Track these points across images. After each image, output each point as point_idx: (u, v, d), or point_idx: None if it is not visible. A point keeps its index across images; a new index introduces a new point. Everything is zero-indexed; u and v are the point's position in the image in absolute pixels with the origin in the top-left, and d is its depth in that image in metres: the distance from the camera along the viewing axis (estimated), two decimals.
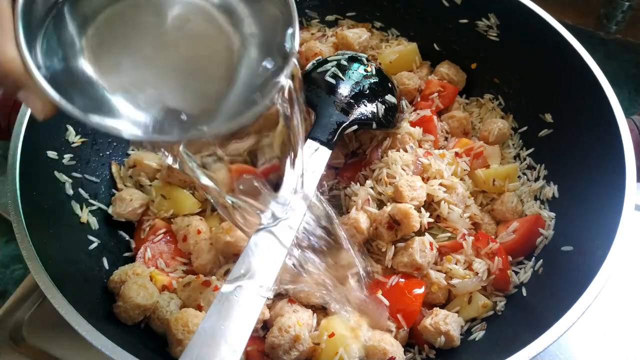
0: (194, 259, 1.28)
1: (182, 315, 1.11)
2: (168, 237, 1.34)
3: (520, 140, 1.49)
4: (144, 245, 1.32)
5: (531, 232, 1.27)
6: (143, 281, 1.17)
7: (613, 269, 1.01)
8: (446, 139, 1.49)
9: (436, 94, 1.51)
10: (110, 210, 1.37)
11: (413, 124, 1.42)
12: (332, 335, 1.10)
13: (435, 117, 1.45)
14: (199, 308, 1.16)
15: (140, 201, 1.38)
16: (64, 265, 1.15)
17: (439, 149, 1.42)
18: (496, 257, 1.22)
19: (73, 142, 1.35)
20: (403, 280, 1.19)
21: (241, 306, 0.93)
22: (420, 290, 1.18)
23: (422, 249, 1.18)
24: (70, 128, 1.34)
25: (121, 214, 1.36)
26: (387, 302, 1.17)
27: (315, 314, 1.20)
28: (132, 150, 1.50)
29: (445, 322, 1.13)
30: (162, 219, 1.37)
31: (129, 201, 1.36)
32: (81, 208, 1.32)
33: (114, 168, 1.45)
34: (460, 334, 1.17)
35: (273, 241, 1.03)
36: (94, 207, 1.35)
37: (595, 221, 1.14)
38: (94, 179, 1.40)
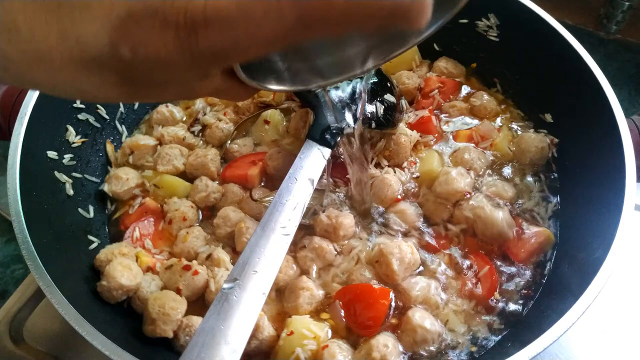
0: (174, 245, 1.29)
1: (160, 296, 1.13)
2: (153, 220, 1.35)
3: None
4: (133, 224, 1.33)
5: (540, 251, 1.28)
6: (128, 262, 1.18)
7: (613, 269, 1.01)
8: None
9: (436, 91, 1.52)
10: (106, 188, 1.38)
11: (412, 126, 1.42)
12: (291, 333, 1.10)
13: (433, 117, 1.45)
14: (178, 291, 1.17)
15: (136, 180, 1.39)
16: (64, 265, 1.15)
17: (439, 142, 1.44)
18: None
19: (73, 142, 1.35)
20: (376, 287, 1.17)
21: (241, 306, 0.93)
22: (389, 297, 1.17)
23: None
24: (70, 128, 1.34)
25: (117, 192, 1.37)
26: (342, 312, 1.17)
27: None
28: (128, 136, 1.51)
29: (386, 345, 1.10)
30: (155, 199, 1.38)
31: (125, 180, 1.37)
32: (83, 208, 1.32)
33: (109, 147, 1.46)
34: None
35: (274, 236, 1.03)
36: (94, 207, 1.36)
37: (595, 221, 1.14)
38: (94, 179, 1.40)
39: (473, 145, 1.43)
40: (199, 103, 1.57)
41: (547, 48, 1.36)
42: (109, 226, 1.38)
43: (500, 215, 1.24)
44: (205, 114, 1.54)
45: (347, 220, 1.26)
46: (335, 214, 1.26)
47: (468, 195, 1.30)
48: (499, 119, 1.50)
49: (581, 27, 1.96)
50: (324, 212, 1.27)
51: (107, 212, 1.39)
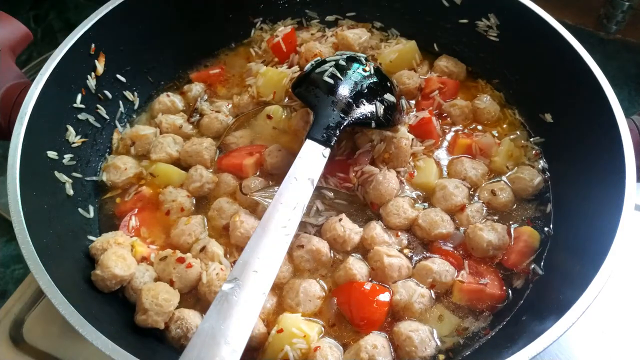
0: (173, 228, 1.30)
1: (154, 286, 1.14)
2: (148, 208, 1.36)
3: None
4: (130, 213, 1.34)
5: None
6: (122, 252, 1.19)
7: (613, 269, 1.01)
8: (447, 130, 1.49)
9: (437, 92, 1.51)
10: (104, 178, 1.38)
11: (412, 128, 1.42)
12: (280, 331, 1.11)
13: (434, 119, 1.45)
14: (171, 283, 1.18)
15: (134, 170, 1.40)
16: (64, 265, 1.15)
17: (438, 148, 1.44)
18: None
19: (73, 142, 1.35)
20: (368, 287, 1.18)
21: (241, 306, 0.93)
22: (385, 298, 1.17)
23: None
24: (70, 128, 1.34)
25: (115, 182, 1.38)
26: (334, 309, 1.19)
27: (271, 297, 1.20)
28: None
29: (375, 346, 1.10)
30: (150, 187, 1.39)
31: (123, 170, 1.38)
32: (83, 208, 1.32)
33: (116, 135, 1.48)
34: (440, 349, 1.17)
35: (274, 236, 1.04)
36: (94, 207, 1.36)
37: (595, 221, 1.14)
38: (94, 179, 1.40)
39: (470, 157, 1.42)
40: (196, 86, 1.58)
41: (547, 48, 1.36)
42: (100, 214, 1.37)
43: (487, 239, 1.24)
44: (205, 100, 1.55)
45: (357, 237, 1.26)
46: (350, 227, 1.25)
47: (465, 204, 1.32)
48: (499, 127, 1.50)
49: (581, 27, 1.95)
50: (340, 220, 1.25)
51: (97, 200, 1.39)
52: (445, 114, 1.50)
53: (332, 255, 1.26)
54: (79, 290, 1.13)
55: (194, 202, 1.37)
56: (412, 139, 1.39)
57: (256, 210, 1.30)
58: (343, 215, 1.27)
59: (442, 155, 1.44)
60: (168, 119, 1.49)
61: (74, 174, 1.33)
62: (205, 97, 1.58)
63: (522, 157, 1.43)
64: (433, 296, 1.22)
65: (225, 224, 1.29)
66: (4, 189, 1.10)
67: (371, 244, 1.25)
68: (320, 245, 1.23)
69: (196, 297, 1.21)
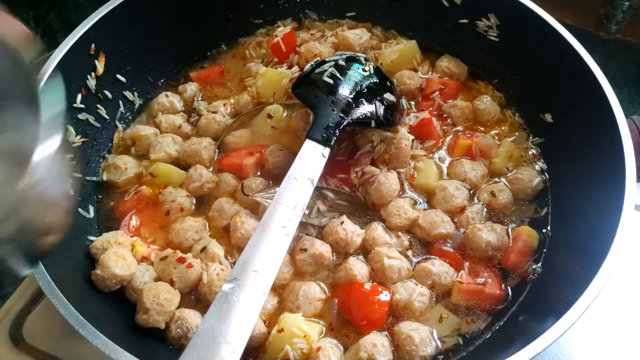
0: (173, 225, 1.29)
1: (155, 286, 1.14)
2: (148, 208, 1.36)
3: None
4: (130, 213, 1.34)
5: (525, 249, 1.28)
6: (123, 252, 1.19)
7: (613, 269, 1.01)
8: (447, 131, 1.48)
9: (437, 93, 1.51)
10: (104, 177, 1.39)
11: (412, 129, 1.42)
12: (281, 330, 1.11)
13: (434, 119, 1.44)
14: (172, 283, 1.18)
15: (135, 170, 1.40)
16: (64, 265, 1.15)
17: (440, 149, 1.44)
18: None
19: (73, 142, 1.35)
20: (369, 287, 1.17)
21: (241, 306, 0.93)
22: (385, 297, 1.17)
23: None
24: (71, 128, 1.34)
25: (116, 182, 1.38)
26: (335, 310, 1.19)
27: (272, 297, 1.20)
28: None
29: (374, 345, 1.10)
30: (150, 185, 1.39)
31: (123, 170, 1.39)
32: (83, 208, 1.32)
33: (117, 135, 1.48)
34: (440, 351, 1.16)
35: (274, 235, 1.03)
36: (94, 207, 1.36)
37: (595, 221, 1.14)
38: (94, 179, 1.40)
39: (470, 158, 1.42)
40: (190, 86, 1.58)
41: (547, 48, 1.36)
42: (100, 214, 1.37)
43: (485, 240, 1.24)
44: (200, 99, 1.55)
45: (359, 240, 1.25)
46: (352, 230, 1.24)
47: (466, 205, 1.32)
48: (499, 129, 1.50)
49: (581, 27, 1.95)
50: (342, 223, 1.25)
51: (97, 200, 1.39)
52: (446, 115, 1.50)
53: (334, 258, 1.26)
54: (79, 290, 1.13)
55: (194, 202, 1.37)
56: (413, 140, 1.38)
57: (257, 210, 1.30)
58: (344, 218, 1.27)
59: (442, 156, 1.44)
60: (167, 119, 1.50)
61: (74, 174, 1.33)
62: (200, 96, 1.57)
63: (521, 158, 1.43)
64: (433, 295, 1.22)
65: (225, 224, 1.29)
66: None
67: (372, 244, 1.25)
68: (323, 249, 1.23)
69: (196, 297, 1.21)
